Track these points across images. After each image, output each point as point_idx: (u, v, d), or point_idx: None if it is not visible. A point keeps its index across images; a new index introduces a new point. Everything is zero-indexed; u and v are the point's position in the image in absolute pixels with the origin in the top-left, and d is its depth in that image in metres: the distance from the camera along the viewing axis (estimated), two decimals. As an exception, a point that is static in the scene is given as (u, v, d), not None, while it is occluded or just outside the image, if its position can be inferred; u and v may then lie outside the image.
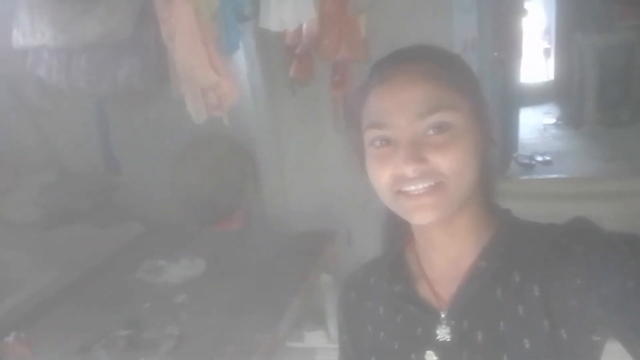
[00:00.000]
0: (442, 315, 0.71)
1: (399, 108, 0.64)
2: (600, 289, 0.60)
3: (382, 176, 0.66)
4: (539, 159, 3.59)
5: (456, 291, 0.70)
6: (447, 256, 0.72)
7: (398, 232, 0.78)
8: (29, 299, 2.14)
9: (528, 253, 0.67)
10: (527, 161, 3.55)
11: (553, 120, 4.51)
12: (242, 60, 2.15)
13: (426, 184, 0.63)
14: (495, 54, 2.64)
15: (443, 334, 0.70)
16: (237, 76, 1.95)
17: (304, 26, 2.06)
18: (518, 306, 0.65)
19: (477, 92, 0.69)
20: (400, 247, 0.79)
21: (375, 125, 0.66)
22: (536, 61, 5.16)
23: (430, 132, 0.63)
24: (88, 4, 1.96)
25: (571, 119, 4.30)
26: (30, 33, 2.08)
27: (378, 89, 0.67)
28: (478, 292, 0.68)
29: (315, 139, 2.48)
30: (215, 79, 1.80)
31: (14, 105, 2.94)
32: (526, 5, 3.52)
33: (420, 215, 0.65)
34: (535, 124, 4.44)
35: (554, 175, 3.33)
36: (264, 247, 2.28)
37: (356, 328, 0.83)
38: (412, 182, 0.64)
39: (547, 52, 5.15)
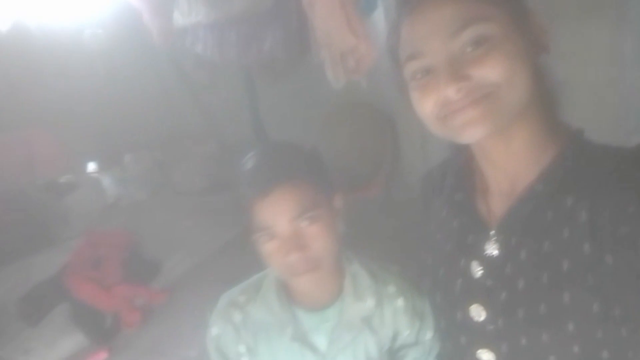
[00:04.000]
0: (492, 232, 0.71)
1: (431, 32, 0.63)
2: None
3: (427, 106, 0.65)
4: None
5: (508, 210, 0.70)
6: (505, 172, 0.71)
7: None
8: (189, 256, 2.36)
9: (586, 177, 0.64)
10: None
11: None
12: (382, 21, 2.10)
13: (471, 98, 0.60)
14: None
15: (491, 248, 0.72)
16: (376, 38, 1.90)
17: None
18: (564, 229, 0.65)
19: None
20: (469, 154, 0.77)
21: (412, 57, 0.65)
22: None
23: (468, 49, 0.61)
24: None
25: None
26: (187, 12, 2.27)
27: (408, 19, 0.66)
28: (529, 213, 0.67)
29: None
30: (353, 42, 1.78)
31: (177, 83, 3.27)
32: None
33: (469, 132, 0.63)
34: None
35: None
36: (402, 213, 2.24)
37: (426, 224, 0.86)
38: (458, 104, 0.62)
39: None
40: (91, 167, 3.51)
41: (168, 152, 3.52)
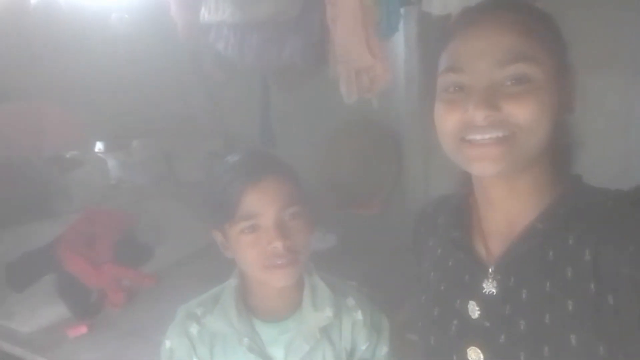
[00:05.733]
0: (490, 270, 0.70)
1: (481, 53, 0.62)
2: None
3: (449, 121, 0.65)
4: None
5: (507, 248, 0.69)
6: (504, 214, 0.71)
7: (468, 176, 0.77)
8: (181, 246, 2.40)
9: (586, 217, 0.64)
10: None
11: None
12: (401, 45, 2.15)
13: (494, 134, 0.61)
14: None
15: (489, 287, 0.71)
16: (393, 61, 1.95)
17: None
18: (567, 268, 0.64)
19: (563, 53, 0.67)
20: (467, 191, 0.78)
21: (453, 69, 0.65)
22: None
23: (508, 82, 0.61)
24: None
25: None
26: (214, 10, 2.32)
27: (463, 32, 0.65)
28: (529, 251, 0.67)
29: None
30: (370, 61, 1.83)
31: (193, 77, 3.32)
32: None
33: (482, 166, 0.63)
34: None
35: None
36: (399, 231, 2.27)
37: (419, 262, 0.86)
38: (479, 131, 0.62)
39: None
40: (99, 146, 3.55)
41: (175, 144, 3.57)
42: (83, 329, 1.73)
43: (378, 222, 2.46)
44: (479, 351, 0.70)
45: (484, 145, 0.62)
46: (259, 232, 0.89)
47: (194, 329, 0.99)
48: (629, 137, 1.88)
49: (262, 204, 0.89)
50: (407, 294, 1.84)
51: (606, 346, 0.61)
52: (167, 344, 1.02)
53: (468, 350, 0.71)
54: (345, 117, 2.52)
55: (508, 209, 0.70)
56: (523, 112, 0.61)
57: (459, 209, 0.78)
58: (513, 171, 0.65)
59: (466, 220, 0.77)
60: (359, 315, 1.02)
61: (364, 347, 1.03)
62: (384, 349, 1.07)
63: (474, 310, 0.71)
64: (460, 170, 0.74)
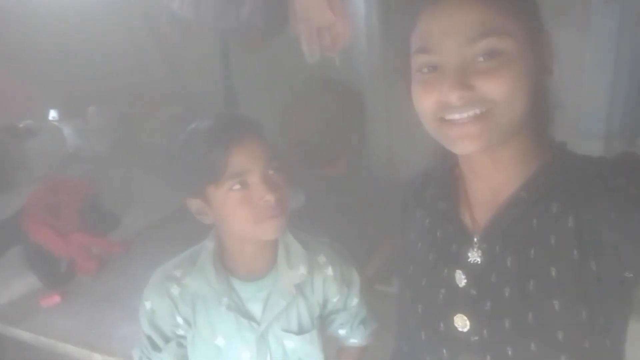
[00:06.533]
0: (475, 239, 0.72)
1: (449, 31, 0.61)
2: (635, 223, 0.57)
3: (426, 103, 0.64)
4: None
5: (492, 217, 0.70)
6: (489, 185, 0.71)
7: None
8: (149, 212, 2.39)
9: (569, 185, 0.65)
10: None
11: None
12: (360, 2, 2.14)
13: (471, 112, 0.61)
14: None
15: (474, 256, 0.72)
16: (353, 18, 1.95)
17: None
18: (551, 236, 0.65)
19: (534, 17, 0.65)
20: (452, 163, 0.78)
21: (423, 50, 0.64)
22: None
23: (480, 58, 0.60)
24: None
25: None
26: (167, -33, 2.24)
27: (429, 11, 0.64)
28: (513, 220, 0.68)
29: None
30: (331, 19, 1.82)
31: (149, 39, 3.21)
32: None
33: (463, 145, 0.63)
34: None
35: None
36: (365, 190, 2.32)
37: (405, 234, 0.87)
38: (456, 110, 0.61)
39: None
40: (52, 114, 3.43)
41: (134, 108, 3.48)
42: (56, 299, 1.73)
43: (344, 181, 2.50)
44: (465, 318, 0.71)
45: (463, 124, 0.62)
46: (248, 188, 0.91)
47: (175, 290, 1.02)
48: (581, 87, 1.97)
49: (248, 161, 0.91)
50: (373, 249, 1.91)
51: (588, 311, 0.62)
52: (148, 305, 1.04)
53: (455, 317, 0.72)
54: (308, 76, 2.51)
55: (493, 180, 0.70)
56: (497, 88, 0.60)
57: (445, 181, 0.79)
58: (496, 144, 0.64)
59: (453, 191, 0.77)
60: (329, 271, 1.07)
61: (335, 300, 1.09)
62: (354, 300, 1.13)
63: (460, 279, 0.72)
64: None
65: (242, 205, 0.92)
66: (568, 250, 0.63)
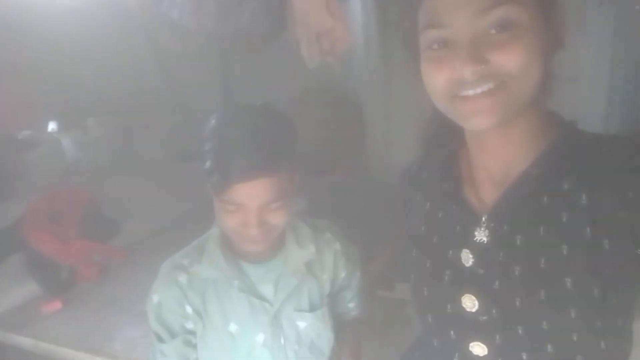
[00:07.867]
0: (483, 218, 0.70)
1: (459, 3, 0.59)
2: None
3: (438, 80, 0.62)
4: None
5: (502, 195, 0.69)
6: (499, 161, 0.70)
7: (448, 131, 0.75)
8: (149, 220, 2.39)
9: (582, 161, 0.64)
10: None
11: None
12: (358, 8, 2.17)
13: (485, 87, 0.59)
14: (638, 7, 2.38)
15: (481, 235, 0.70)
16: (352, 24, 1.97)
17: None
18: (562, 213, 0.64)
19: None
20: (454, 145, 0.77)
21: (433, 25, 0.62)
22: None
23: (492, 31, 0.58)
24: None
25: None
26: (167, -23, 2.26)
27: None
28: (524, 197, 0.67)
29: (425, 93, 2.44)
30: (330, 23, 1.83)
31: (148, 50, 3.24)
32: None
33: (477, 120, 0.61)
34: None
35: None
36: (364, 195, 2.32)
37: (408, 219, 0.86)
38: (470, 86, 0.59)
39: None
40: (52, 126, 3.44)
41: (133, 119, 3.49)
42: (57, 305, 1.72)
43: (344, 187, 2.50)
44: (474, 298, 0.69)
45: (476, 99, 0.60)
46: (241, 213, 0.91)
47: (183, 278, 1.01)
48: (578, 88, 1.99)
49: (246, 199, 0.91)
50: (374, 255, 1.90)
51: (600, 288, 0.61)
52: (155, 298, 1.02)
53: (462, 298, 0.70)
54: (308, 82, 2.52)
55: (503, 156, 0.69)
56: (512, 61, 0.58)
57: (446, 162, 0.77)
58: (508, 119, 0.62)
59: (454, 172, 0.76)
60: (337, 246, 1.10)
61: (343, 275, 1.11)
62: (357, 275, 1.15)
63: (467, 259, 0.71)
64: (444, 127, 0.73)
65: (232, 222, 0.93)
66: (580, 228, 0.62)
